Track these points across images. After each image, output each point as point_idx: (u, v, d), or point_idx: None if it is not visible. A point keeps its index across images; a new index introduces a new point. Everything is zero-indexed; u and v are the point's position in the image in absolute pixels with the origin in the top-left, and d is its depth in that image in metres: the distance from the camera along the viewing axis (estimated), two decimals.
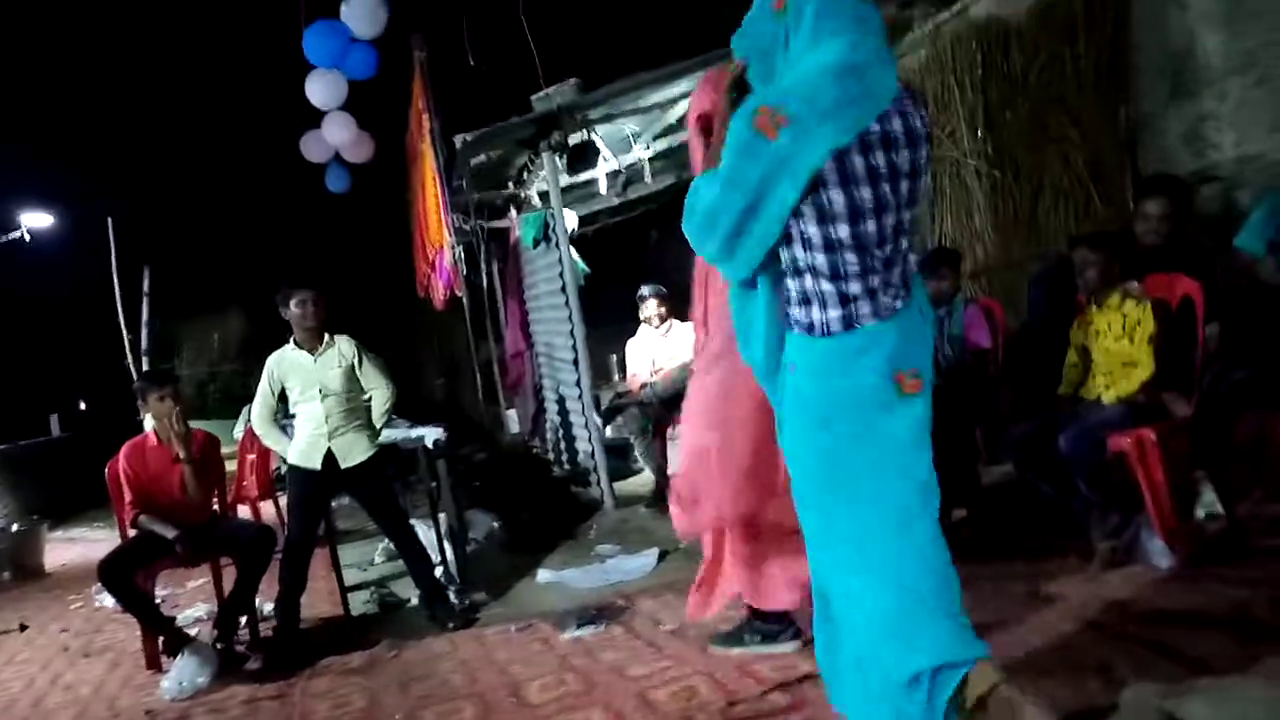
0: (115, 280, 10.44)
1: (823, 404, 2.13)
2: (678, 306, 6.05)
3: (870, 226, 2.03)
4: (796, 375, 2.17)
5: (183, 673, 3.68)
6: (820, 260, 2.05)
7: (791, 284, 2.13)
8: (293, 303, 4.17)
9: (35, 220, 11.62)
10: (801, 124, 1.95)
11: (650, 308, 5.98)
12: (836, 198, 2.00)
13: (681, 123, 6.67)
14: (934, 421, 4.26)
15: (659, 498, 5.35)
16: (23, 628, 5.37)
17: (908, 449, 2.19)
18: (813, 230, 2.03)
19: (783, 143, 1.96)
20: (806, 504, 2.23)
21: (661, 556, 4.59)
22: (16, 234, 11.42)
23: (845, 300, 2.06)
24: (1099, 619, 2.84)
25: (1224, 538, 3.37)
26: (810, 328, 2.10)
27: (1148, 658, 2.50)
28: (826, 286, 2.06)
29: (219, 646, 3.93)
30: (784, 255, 2.10)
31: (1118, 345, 3.53)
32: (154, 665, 4.02)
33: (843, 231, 2.02)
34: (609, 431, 6.01)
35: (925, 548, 2.15)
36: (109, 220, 10.40)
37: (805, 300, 2.10)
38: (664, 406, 5.54)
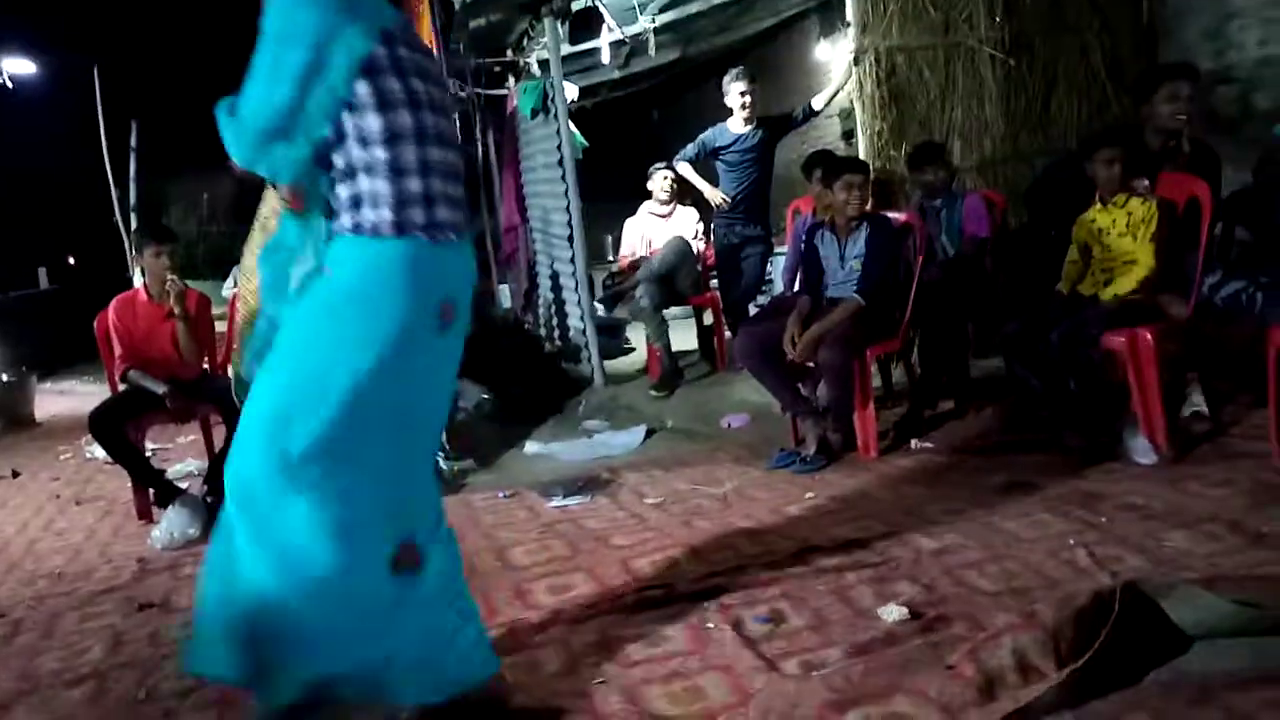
0: (102, 133, 10.17)
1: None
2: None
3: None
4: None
5: (173, 524, 3.73)
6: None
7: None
8: None
9: (17, 66, 11.24)
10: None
11: (660, 180, 5.89)
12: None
13: None
14: (928, 313, 4.29)
15: (671, 378, 5.37)
16: (15, 474, 5.43)
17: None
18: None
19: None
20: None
21: (648, 434, 4.64)
22: None
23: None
24: (1075, 510, 2.89)
25: (1207, 439, 3.42)
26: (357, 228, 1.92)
27: (1120, 550, 2.55)
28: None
29: (209, 500, 3.98)
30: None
31: (1120, 242, 3.49)
32: (145, 516, 4.08)
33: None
34: (619, 312, 6.00)
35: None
36: (95, 70, 10.06)
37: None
38: (659, 284, 5.51)
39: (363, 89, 1.86)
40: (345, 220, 1.91)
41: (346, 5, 1.85)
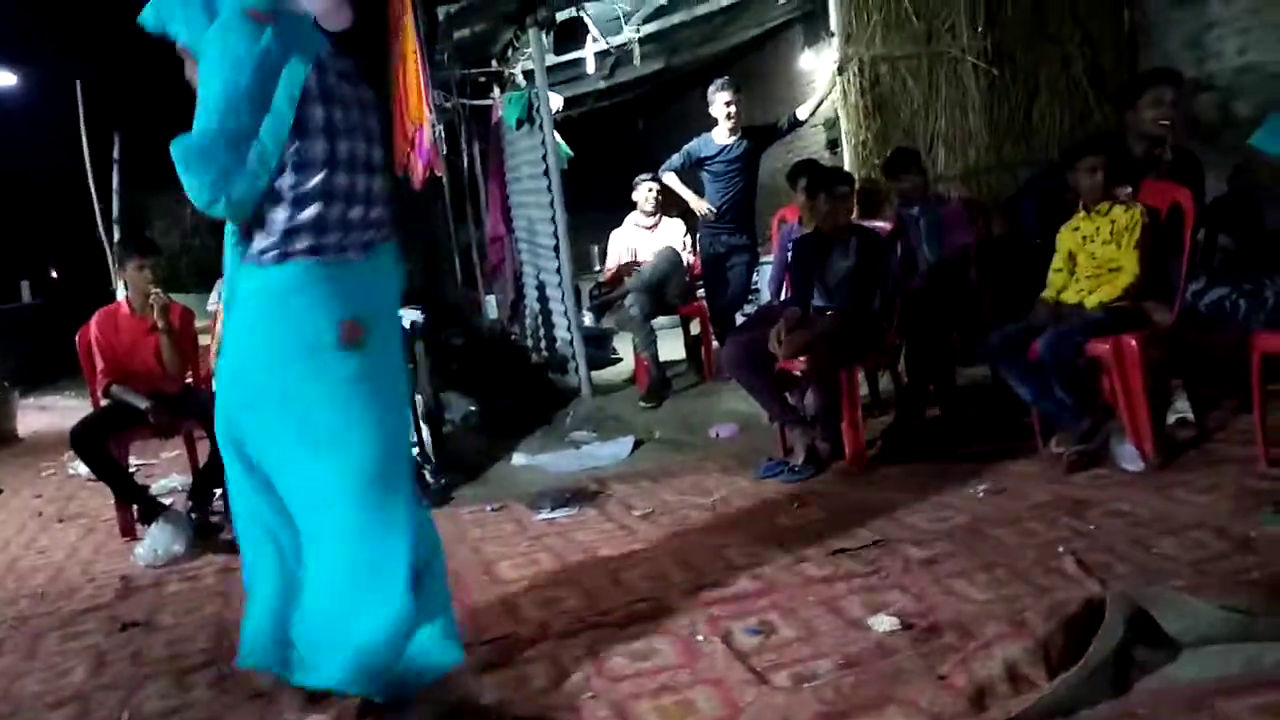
0: (85, 146, 10.10)
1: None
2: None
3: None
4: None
5: (157, 541, 3.69)
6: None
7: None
8: None
9: None
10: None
11: (644, 192, 5.90)
12: None
13: (673, 3, 6.45)
14: (913, 322, 4.30)
15: (659, 388, 5.36)
16: None
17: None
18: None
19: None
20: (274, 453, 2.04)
21: (636, 445, 4.63)
22: None
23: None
24: (1063, 517, 2.89)
25: (1193, 445, 3.43)
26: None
27: (1108, 558, 2.55)
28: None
29: (193, 516, 3.94)
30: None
31: (1104, 250, 3.51)
32: (128, 533, 4.04)
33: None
34: (607, 321, 6.00)
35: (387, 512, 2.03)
36: (77, 83, 9.99)
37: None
38: (649, 294, 5.50)
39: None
40: (241, 250, 1.97)
41: (285, 34, 1.89)
